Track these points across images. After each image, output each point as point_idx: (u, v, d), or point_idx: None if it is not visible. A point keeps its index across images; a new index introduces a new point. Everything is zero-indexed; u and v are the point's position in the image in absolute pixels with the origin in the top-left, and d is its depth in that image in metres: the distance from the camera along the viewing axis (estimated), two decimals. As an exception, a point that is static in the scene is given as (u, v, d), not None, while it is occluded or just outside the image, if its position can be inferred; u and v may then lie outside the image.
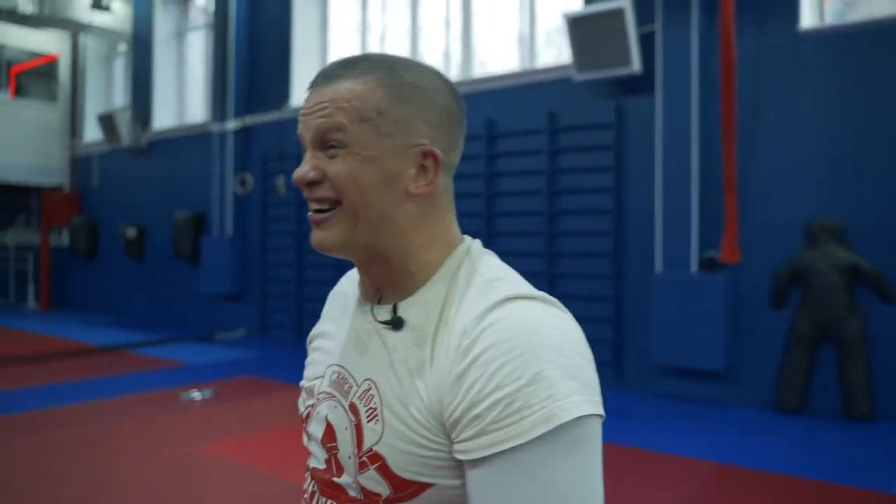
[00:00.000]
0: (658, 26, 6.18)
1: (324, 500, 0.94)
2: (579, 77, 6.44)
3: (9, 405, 5.84)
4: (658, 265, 6.12)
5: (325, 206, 0.89)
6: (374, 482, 0.86)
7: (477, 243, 0.96)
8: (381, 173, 0.88)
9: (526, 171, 7.07)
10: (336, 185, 0.87)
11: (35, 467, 4.25)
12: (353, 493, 0.90)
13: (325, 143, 0.89)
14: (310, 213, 0.91)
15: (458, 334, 0.83)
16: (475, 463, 0.79)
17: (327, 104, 0.88)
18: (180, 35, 11.78)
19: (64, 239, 13.61)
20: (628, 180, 6.44)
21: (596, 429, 0.81)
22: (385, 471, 0.85)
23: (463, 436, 0.80)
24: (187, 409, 5.73)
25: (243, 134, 9.82)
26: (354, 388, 0.91)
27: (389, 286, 0.92)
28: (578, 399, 0.78)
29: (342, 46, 9.53)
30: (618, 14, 6.17)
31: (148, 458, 4.45)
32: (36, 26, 11.81)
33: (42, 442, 4.82)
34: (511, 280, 0.89)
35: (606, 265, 6.53)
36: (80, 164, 13.40)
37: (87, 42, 13.22)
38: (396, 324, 0.89)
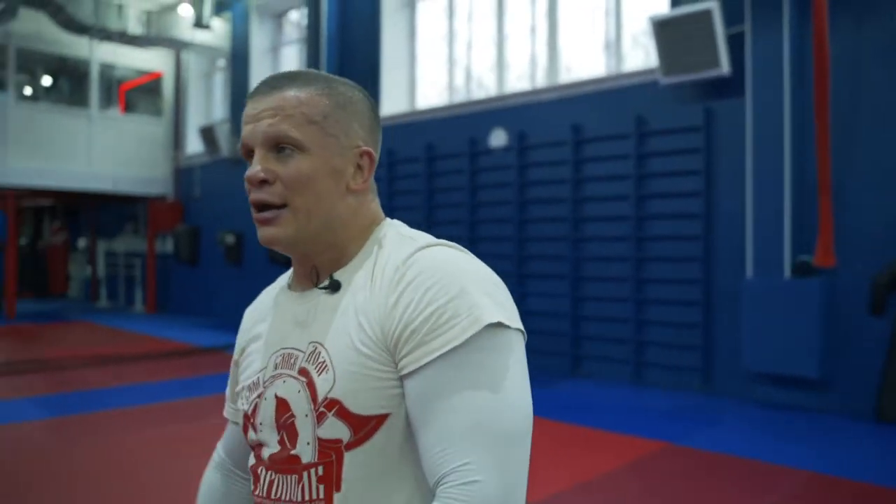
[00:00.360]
0: (747, 26, 6.09)
1: (285, 479, 0.96)
2: (666, 80, 6.40)
3: (122, 400, 6.26)
4: (749, 270, 6.02)
5: (275, 205, 0.97)
6: (333, 429, 0.91)
7: (396, 221, 1.06)
8: (329, 171, 0.97)
9: (613, 175, 7.07)
10: (290, 183, 0.96)
11: (149, 459, 4.57)
12: (306, 458, 0.94)
13: (276, 146, 0.96)
14: (256, 213, 0.98)
15: (390, 272, 0.94)
16: (414, 373, 0.88)
17: (274, 111, 0.96)
18: (275, 49, 12.27)
19: (168, 245, 14.33)
20: (718, 183, 6.36)
21: (517, 341, 0.91)
22: (343, 413, 0.91)
23: (404, 352, 0.89)
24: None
25: (335, 143, 10.14)
26: (301, 357, 0.98)
27: (326, 266, 1.01)
28: (498, 311, 0.89)
29: (430, 56, 9.73)
30: (705, 15, 6.11)
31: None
32: (143, 46, 12.52)
33: (155, 436, 5.16)
34: (426, 236, 1.00)
35: (695, 270, 6.47)
36: (182, 174, 14.10)
37: (189, 59, 13.91)
38: (335, 286, 0.98)
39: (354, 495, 0.92)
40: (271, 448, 0.99)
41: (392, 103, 9.65)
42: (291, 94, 0.97)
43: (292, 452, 0.96)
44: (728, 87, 6.27)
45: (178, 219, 13.98)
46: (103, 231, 16.74)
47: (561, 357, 7.34)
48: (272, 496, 0.98)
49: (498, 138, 7.99)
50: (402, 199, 9.17)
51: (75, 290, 17.96)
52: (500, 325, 0.88)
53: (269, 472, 0.99)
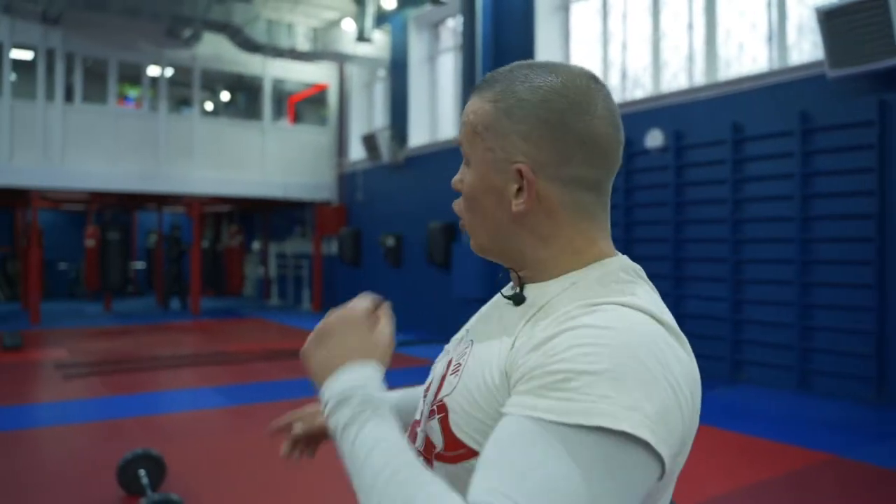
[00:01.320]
0: (929, 12, 5.67)
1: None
2: (834, 73, 6.07)
3: (291, 392, 6.74)
4: (930, 273, 5.60)
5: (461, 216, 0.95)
6: (434, 433, 0.88)
7: (623, 258, 0.92)
8: (487, 189, 0.90)
9: (776, 174, 6.78)
10: (463, 198, 0.94)
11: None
12: (417, 443, 0.92)
13: (463, 154, 0.94)
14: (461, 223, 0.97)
15: (561, 310, 0.81)
16: (513, 416, 0.74)
17: (463, 117, 0.94)
18: (432, 58, 12.66)
19: (333, 247, 15.11)
20: (893, 182, 5.95)
21: (642, 465, 0.71)
22: (444, 423, 0.86)
23: (516, 390, 0.77)
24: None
25: (490, 147, 10.34)
26: (462, 348, 0.95)
27: (527, 277, 0.93)
28: (638, 417, 0.70)
29: (585, 58, 9.72)
30: (879, 1, 5.74)
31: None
32: (310, 60, 13.32)
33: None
34: (633, 292, 0.84)
35: (868, 273, 6.08)
36: (346, 180, 14.84)
37: (352, 70, 14.63)
38: (517, 300, 0.91)
39: None
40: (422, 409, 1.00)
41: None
42: (473, 100, 0.93)
43: (417, 429, 0.96)
44: (906, 78, 5.86)
45: (342, 222, 14.73)
46: (274, 234, 17.93)
47: (719, 361, 7.12)
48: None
49: (654, 139, 7.87)
50: (556, 202, 9.21)
51: (249, 289, 19.35)
52: (623, 434, 0.70)
53: (415, 428, 1.00)
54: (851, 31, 5.89)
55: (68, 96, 12.72)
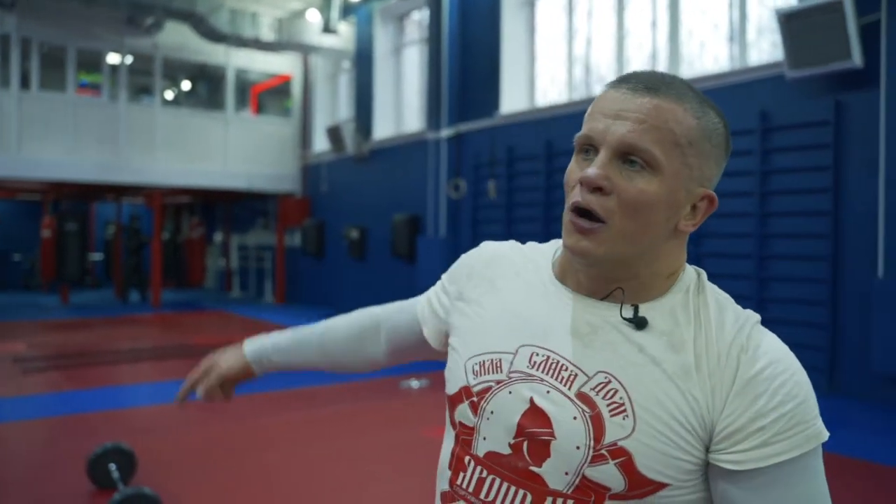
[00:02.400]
0: (883, 15, 5.86)
1: (506, 486, 0.90)
2: (793, 74, 6.25)
3: (257, 386, 6.73)
4: (880, 270, 5.81)
5: (598, 218, 0.87)
6: (606, 475, 0.85)
7: (698, 269, 0.99)
8: (670, 203, 0.88)
9: (735, 171, 6.95)
10: (626, 202, 0.86)
11: (280, 439, 4.95)
12: (556, 486, 0.87)
13: (626, 155, 0.86)
14: (576, 218, 0.89)
15: (726, 345, 0.87)
16: (748, 474, 0.84)
17: (643, 116, 0.86)
18: (397, 51, 12.66)
19: (296, 239, 15.05)
20: (848, 180, 6.16)
21: None
22: (628, 467, 0.85)
23: (742, 447, 0.83)
24: (407, 396, 6.30)
25: (456, 141, 10.42)
26: (582, 378, 0.89)
27: (628, 289, 0.92)
28: (821, 422, 0.87)
29: (549, 53, 9.82)
30: (836, 6, 5.92)
31: (383, 436, 5.01)
32: (274, 51, 13.22)
33: (283, 420, 5.57)
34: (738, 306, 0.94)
35: (822, 269, 6.29)
36: (310, 171, 14.77)
37: (317, 62, 14.55)
38: (640, 323, 0.89)
39: None
40: (492, 446, 0.92)
41: (512, 101, 9.81)
42: (666, 105, 0.87)
43: (532, 469, 0.89)
44: (860, 80, 6.06)
45: (306, 214, 14.67)
46: (236, 225, 17.77)
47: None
48: (481, 496, 0.92)
49: (617, 135, 8.00)
50: (522, 196, 9.32)
51: (211, 281, 19.16)
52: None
53: (483, 470, 0.93)
54: (810, 33, 6.06)
55: (24, 83, 12.44)
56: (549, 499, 0.87)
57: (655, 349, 0.88)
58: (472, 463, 0.94)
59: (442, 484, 0.99)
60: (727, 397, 0.84)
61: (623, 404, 0.86)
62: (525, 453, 0.89)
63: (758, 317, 0.92)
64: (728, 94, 7.07)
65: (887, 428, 5.33)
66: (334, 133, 12.85)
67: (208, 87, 17.30)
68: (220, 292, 17.91)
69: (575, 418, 0.87)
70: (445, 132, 10.43)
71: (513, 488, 0.89)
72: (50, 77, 13.15)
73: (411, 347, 1.25)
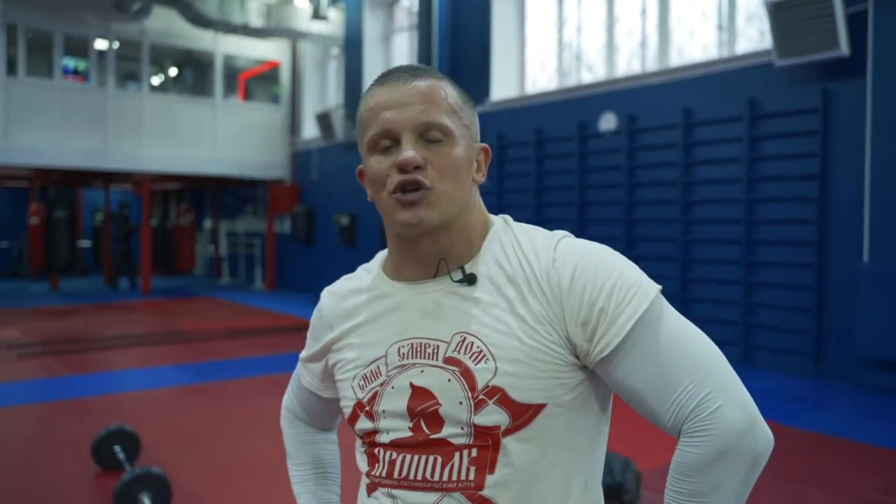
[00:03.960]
0: (870, 5, 5.96)
1: (416, 459, 0.98)
2: (781, 62, 6.35)
3: (246, 370, 6.80)
4: (865, 255, 5.94)
5: (426, 187, 0.97)
6: (491, 416, 0.94)
7: (504, 216, 1.10)
8: (467, 161, 1.01)
9: (724, 158, 7.06)
10: (443, 169, 0.97)
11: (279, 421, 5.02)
12: (460, 440, 0.96)
13: (424, 134, 0.97)
14: (403, 195, 0.97)
15: (542, 264, 0.98)
16: (619, 348, 0.93)
17: (423, 97, 0.98)
18: (387, 37, 12.67)
19: (286, 226, 15.06)
20: (834, 167, 6.28)
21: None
22: (505, 400, 0.94)
23: (598, 334, 0.93)
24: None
25: (446, 128, 10.44)
26: (444, 346, 0.99)
27: (452, 256, 1.02)
28: (650, 279, 0.98)
29: (539, 40, 9.87)
30: (824, -4, 6.02)
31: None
32: (263, 37, 13.18)
33: (275, 405, 5.63)
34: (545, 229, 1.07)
35: (809, 254, 6.42)
36: (299, 158, 14.77)
37: (305, 48, 14.51)
38: (471, 280, 1.00)
39: (508, 478, 0.95)
40: (395, 436, 1.00)
41: (502, 88, 9.86)
42: (435, 84, 1.00)
43: (434, 436, 0.97)
44: (847, 69, 6.17)
45: (295, 201, 14.67)
46: (225, 212, 17.74)
47: (669, 338, 7.41)
48: (395, 475, 1.00)
49: (607, 122, 8.09)
50: (512, 182, 9.40)
51: (200, 268, 19.13)
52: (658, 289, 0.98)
53: (391, 453, 1.01)
54: (798, 22, 6.16)
55: (11, 69, 12.35)
56: (457, 454, 0.96)
57: (490, 295, 0.99)
58: (381, 451, 1.02)
59: (362, 486, 1.08)
60: (562, 304, 0.95)
61: (482, 351, 0.96)
62: (423, 428, 0.98)
63: (564, 233, 1.03)
64: (717, 81, 7.16)
65: (871, 409, 5.47)
66: (324, 119, 12.86)
67: (195, 73, 17.21)
68: (209, 279, 17.90)
69: (449, 380, 0.97)
70: (436, 119, 10.44)
71: (423, 458, 0.98)
72: (36, 63, 13.05)
73: (332, 410, 1.30)
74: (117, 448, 3.89)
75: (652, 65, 8.28)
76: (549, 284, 0.96)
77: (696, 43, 7.94)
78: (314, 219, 14.10)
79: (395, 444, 1.00)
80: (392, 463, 1.00)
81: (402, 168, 0.96)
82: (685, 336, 0.94)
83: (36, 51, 13.12)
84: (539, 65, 9.92)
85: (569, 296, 0.95)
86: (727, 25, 7.62)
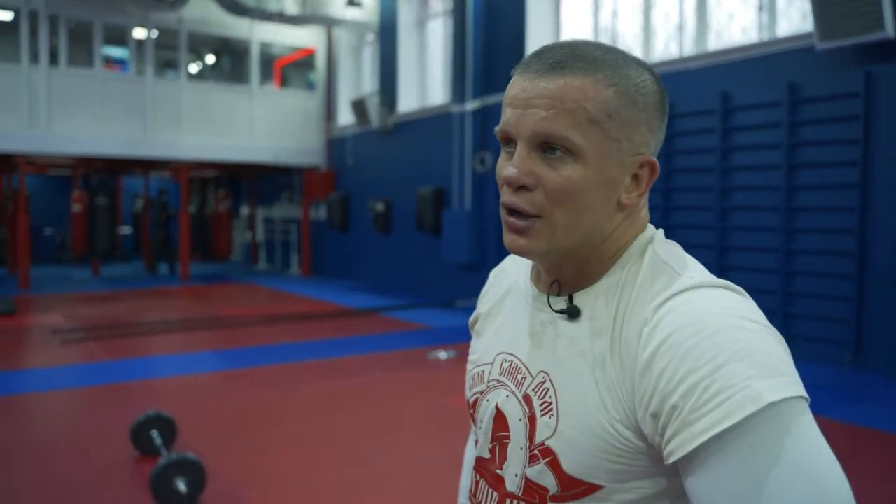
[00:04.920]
0: (916, -15, 5.79)
1: (488, 490, 0.92)
2: (822, 46, 6.20)
3: (284, 356, 6.89)
4: (909, 242, 5.80)
5: (529, 214, 0.82)
6: (541, 476, 0.83)
7: (660, 233, 0.90)
8: (602, 183, 0.81)
9: (763, 144, 6.93)
10: (553, 194, 0.80)
11: (311, 407, 5.08)
12: (511, 488, 0.87)
13: (543, 145, 0.81)
14: (508, 217, 0.84)
15: (637, 323, 0.78)
16: (686, 462, 0.72)
17: (551, 100, 0.79)
18: (421, 23, 12.63)
19: (321, 213, 15.17)
20: (877, 153, 6.12)
21: (806, 411, 0.73)
22: (555, 467, 0.82)
23: (668, 435, 0.73)
24: (435, 367, 6.41)
25: (481, 113, 10.43)
26: (529, 379, 0.88)
27: (568, 278, 0.88)
28: (782, 380, 0.70)
29: (575, 24, 9.76)
30: (868, -24, 5.85)
31: (411, 405, 5.14)
32: (298, 24, 13.24)
33: (314, 388, 5.70)
34: (693, 270, 0.83)
35: (850, 242, 6.28)
36: (335, 145, 14.84)
37: (340, 34, 14.55)
38: (572, 313, 0.85)
39: None
40: (481, 451, 0.94)
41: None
42: (574, 82, 0.79)
43: (498, 472, 0.90)
44: (893, 51, 5.99)
45: (331, 187, 14.77)
46: (262, 199, 17.93)
47: (705, 327, 7.32)
48: (477, 498, 0.94)
49: (643, 107, 7.97)
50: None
51: (238, 254, 19.39)
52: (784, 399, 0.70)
53: (477, 474, 0.95)
54: (841, 3, 5.99)
55: (53, 59, 12.58)
56: (508, 501, 0.88)
57: (583, 339, 0.83)
58: (475, 467, 0.97)
59: None
60: (633, 383, 0.76)
61: (551, 403, 0.83)
62: (496, 457, 0.91)
63: (698, 281, 0.79)
64: (756, 65, 7.02)
65: (913, 400, 5.36)
66: (359, 106, 12.89)
67: (232, 61, 17.37)
68: (246, 265, 18.13)
69: (520, 419, 0.87)
70: (470, 105, 10.44)
71: (490, 491, 0.91)
72: (76, 53, 13.27)
73: None
74: (154, 433, 3.97)
75: (690, 49, 8.14)
76: (629, 352, 0.78)
77: (735, 26, 7.78)
78: (349, 205, 14.17)
79: (479, 464, 0.95)
80: (476, 484, 0.95)
81: (506, 183, 0.83)
82: (793, 478, 0.68)
83: (77, 41, 13.34)
84: (574, 49, 9.79)
85: (643, 376, 0.75)
86: (767, 6, 7.45)
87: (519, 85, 0.83)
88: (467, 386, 1.02)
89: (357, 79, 14.70)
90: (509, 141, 0.84)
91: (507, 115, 0.83)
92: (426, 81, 12.59)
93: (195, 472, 3.35)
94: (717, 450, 0.69)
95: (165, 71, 16.32)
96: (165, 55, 15.62)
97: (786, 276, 6.70)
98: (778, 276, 6.74)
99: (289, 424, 4.70)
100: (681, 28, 8.30)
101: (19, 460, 4.01)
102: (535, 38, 9.79)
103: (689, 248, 0.93)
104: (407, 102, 12.54)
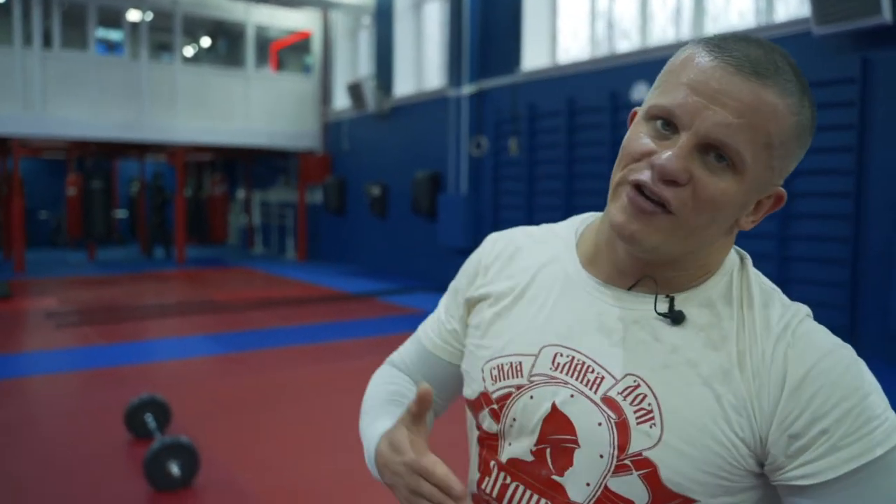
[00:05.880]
0: (914, -30, 5.76)
1: (529, 495, 0.85)
2: (819, 31, 6.17)
3: (278, 340, 6.89)
4: (904, 228, 5.81)
5: (663, 205, 0.76)
6: (629, 487, 0.79)
7: (748, 255, 0.89)
8: (742, 204, 0.79)
9: (759, 129, 6.91)
10: (700, 200, 0.76)
11: (305, 392, 5.10)
12: (576, 497, 0.81)
13: (708, 147, 0.75)
14: (636, 195, 0.77)
15: (771, 343, 0.77)
16: (822, 487, 0.73)
17: (745, 109, 0.74)
18: (418, 6, 12.55)
19: (317, 197, 15.14)
20: (872, 138, 6.11)
21: None
22: (653, 479, 0.77)
23: (808, 456, 0.73)
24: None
25: (478, 98, 10.39)
26: (609, 380, 0.82)
27: (663, 279, 0.83)
28: None
29: (572, 9, 9.71)
30: (866, -40, 5.82)
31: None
32: (294, 7, 13.15)
33: (308, 373, 5.71)
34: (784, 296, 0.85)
35: (844, 227, 6.29)
36: (331, 129, 14.79)
37: (337, 18, 14.46)
38: (677, 318, 0.81)
39: None
40: (516, 452, 0.87)
41: (533, 57, 9.74)
42: (772, 98, 0.74)
43: (554, 478, 0.83)
44: (889, 37, 5.97)
45: (327, 171, 14.73)
46: (258, 183, 17.89)
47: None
48: (504, 501, 0.88)
49: (640, 92, 7.95)
50: (544, 153, 9.32)
51: (233, 238, 19.37)
52: None
53: (507, 476, 0.88)
54: (838, -12, 5.97)
55: (47, 42, 12.49)
56: None
57: (692, 348, 0.79)
58: (497, 468, 0.88)
59: (471, 486, 0.94)
60: (778, 401, 0.75)
61: (651, 411, 0.78)
62: (548, 461, 0.83)
63: (808, 310, 0.82)
64: (753, 50, 6.98)
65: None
66: (355, 90, 12.83)
67: (228, 44, 17.27)
68: (242, 249, 18.12)
69: (600, 424, 0.80)
70: (467, 89, 10.40)
71: (535, 497, 0.84)
72: (70, 35, 13.17)
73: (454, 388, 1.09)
74: (148, 417, 3.98)
75: (687, 33, 8.10)
76: (771, 373, 0.76)
77: (732, 10, 7.75)
78: (345, 189, 14.15)
79: (513, 465, 0.86)
80: (504, 487, 0.87)
81: (656, 170, 0.75)
82: None
83: (71, 23, 13.24)
84: (571, 34, 9.76)
85: (791, 397, 0.74)
86: (765, -8, 7.42)
87: (709, 70, 0.75)
88: (483, 376, 0.91)
89: (353, 62, 14.62)
90: (667, 123, 0.77)
91: (683, 96, 0.76)
92: (423, 65, 12.53)
93: (189, 456, 3.36)
94: (860, 478, 0.72)
95: (160, 54, 16.23)
96: (160, 38, 15.51)
97: (780, 262, 6.71)
98: (773, 262, 6.75)
99: (283, 408, 4.71)
100: (678, 12, 8.26)
101: (14, 444, 4.02)
102: (532, 23, 9.74)
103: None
104: (403, 86, 12.49)
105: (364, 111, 12.96)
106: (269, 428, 4.30)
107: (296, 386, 5.32)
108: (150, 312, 8.50)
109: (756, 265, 0.89)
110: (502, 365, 0.89)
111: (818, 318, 0.83)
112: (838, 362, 0.74)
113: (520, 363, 0.87)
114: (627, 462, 0.78)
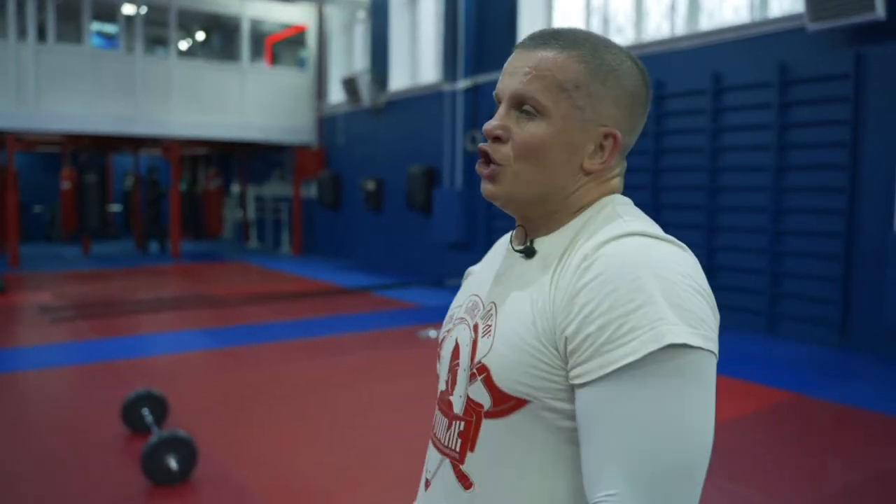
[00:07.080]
0: (907, -34, 5.78)
1: (441, 418, 1.00)
2: (813, 26, 6.20)
3: (273, 335, 6.91)
4: (896, 223, 5.85)
5: (497, 163, 0.93)
6: (478, 393, 0.91)
7: (624, 198, 0.98)
8: (564, 144, 0.91)
9: (753, 125, 6.94)
10: (519, 146, 0.92)
11: (301, 386, 5.11)
12: (456, 410, 0.95)
13: (519, 105, 0.92)
14: (480, 165, 0.96)
15: (578, 257, 0.86)
16: (586, 386, 0.80)
17: (530, 69, 0.91)
18: (413, 1, 12.53)
19: (312, 191, 15.13)
20: (866, 134, 6.14)
21: (708, 364, 0.81)
22: (488, 382, 0.89)
23: (578, 359, 0.81)
24: (425, 345, 6.44)
25: (473, 92, 10.40)
26: (481, 310, 0.98)
27: (534, 227, 0.97)
28: (688, 330, 0.78)
29: (567, 4, 9.71)
30: (860, -44, 5.84)
31: (399, 385, 5.17)
32: (289, 1, 13.12)
33: (304, 367, 5.73)
34: (642, 222, 0.91)
35: (837, 222, 6.32)
36: (326, 123, 14.78)
37: (332, 12, 14.43)
38: (528, 252, 0.95)
39: (484, 461, 0.91)
40: (441, 385, 1.02)
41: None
42: (550, 55, 0.92)
43: (450, 397, 0.98)
44: (883, 32, 6.00)
45: (322, 165, 14.72)
46: (253, 177, 17.86)
47: (693, 307, 7.37)
48: (434, 431, 1.02)
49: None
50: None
51: (228, 232, 19.35)
52: (686, 345, 0.78)
53: (436, 407, 1.02)
54: (832, -16, 5.99)
55: (41, 36, 12.44)
56: (454, 423, 0.96)
57: (531, 273, 0.93)
58: (436, 404, 1.04)
59: None
60: (563, 305, 0.84)
61: (491, 325, 0.93)
62: (449, 386, 0.99)
63: (637, 230, 0.86)
64: (747, 46, 7.01)
65: (895, 380, 5.43)
66: (350, 84, 12.82)
67: (222, 38, 17.22)
68: (237, 243, 18.10)
69: (467, 345, 0.96)
70: (462, 83, 10.40)
71: (442, 418, 0.99)
72: (65, 29, 13.11)
73: None
74: (145, 411, 3.99)
75: (681, 29, 8.12)
76: (565, 279, 0.86)
77: (727, 6, 7.77)
78: (340, 184, 14.14)
79: (439, 397, 1.02)
80: (434, 416, 1.02)
81: (485, 134, 0.95)
82: (663, 418, 0.77)
83: (65, 17, 13.18)
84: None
85: (570, 304, 0.83)
86: (759, -13, 7.43)
87: (511, 58, 0.96)
88: (440, 331, 1.10)
89: (348, 57, 14.60)
90: (499, 103, 0.96)
91: (500, 81, 0.96)
92: (418, 60, 12.53)
93: (186, 450, 3.38)
94: (615, 380, 0.78)
95: (155, 48, 16.17)
96: (155, 32, 15.46)
97: (774, 257, 6.74)
98: (766, 257, 6.79)
99: (279, 403, 4.72)
100: (673, 8, 8.27)
101: (9, 438, 4.03)
102: (528, 17, 9.74)
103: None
104: (398, 81, 12.48)
105: (359, 105, 12.95)
106: (266, 422, 4.32)
107: (291, 380, 5.34)
108: (145, 307, 8.50)
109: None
110: (447, 318, 1.09)
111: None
112: (619, 277, 0.81)
113: (453, 313, 1.07)
114: (474, 371, 0.92)
